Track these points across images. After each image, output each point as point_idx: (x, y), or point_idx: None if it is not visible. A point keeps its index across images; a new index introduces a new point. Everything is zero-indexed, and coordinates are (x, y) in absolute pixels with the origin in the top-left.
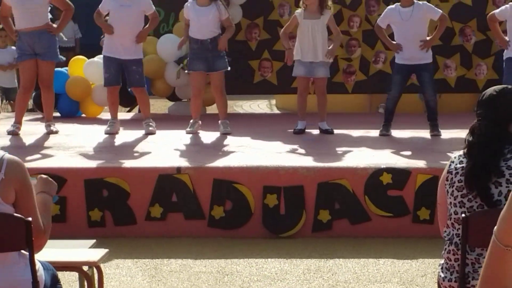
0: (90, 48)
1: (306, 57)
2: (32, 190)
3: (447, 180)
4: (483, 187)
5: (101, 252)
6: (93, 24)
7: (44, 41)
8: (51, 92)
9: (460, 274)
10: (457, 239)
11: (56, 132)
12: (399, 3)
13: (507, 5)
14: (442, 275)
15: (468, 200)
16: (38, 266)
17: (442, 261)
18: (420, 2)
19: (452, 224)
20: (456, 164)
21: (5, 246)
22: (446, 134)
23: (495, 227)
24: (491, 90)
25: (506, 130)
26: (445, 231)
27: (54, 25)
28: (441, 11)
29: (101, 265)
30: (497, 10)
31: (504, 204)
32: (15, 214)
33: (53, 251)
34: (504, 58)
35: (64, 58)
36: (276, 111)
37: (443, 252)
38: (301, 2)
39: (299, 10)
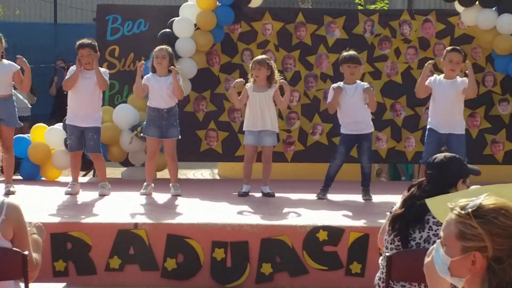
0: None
1: (255, 127)
2: (27, 230)
3: (387, 230)
4: (404, 230)
5: None
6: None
7: (8, 108)
8: (11, 155)
9: None
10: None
11: (14, 193)
12: (342, 82)
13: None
14: None
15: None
16: None
17: None
18: (361, 83)
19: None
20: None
21: (4, 276)
22: (376, 198)
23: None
24: (441, 156)
25: (447, 192)
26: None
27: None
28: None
29: None
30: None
31: (424, 247)
32: (14, 249)
33: None
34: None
35: (22, 124)
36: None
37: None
38: (249, 75)
39: (249, 84)
